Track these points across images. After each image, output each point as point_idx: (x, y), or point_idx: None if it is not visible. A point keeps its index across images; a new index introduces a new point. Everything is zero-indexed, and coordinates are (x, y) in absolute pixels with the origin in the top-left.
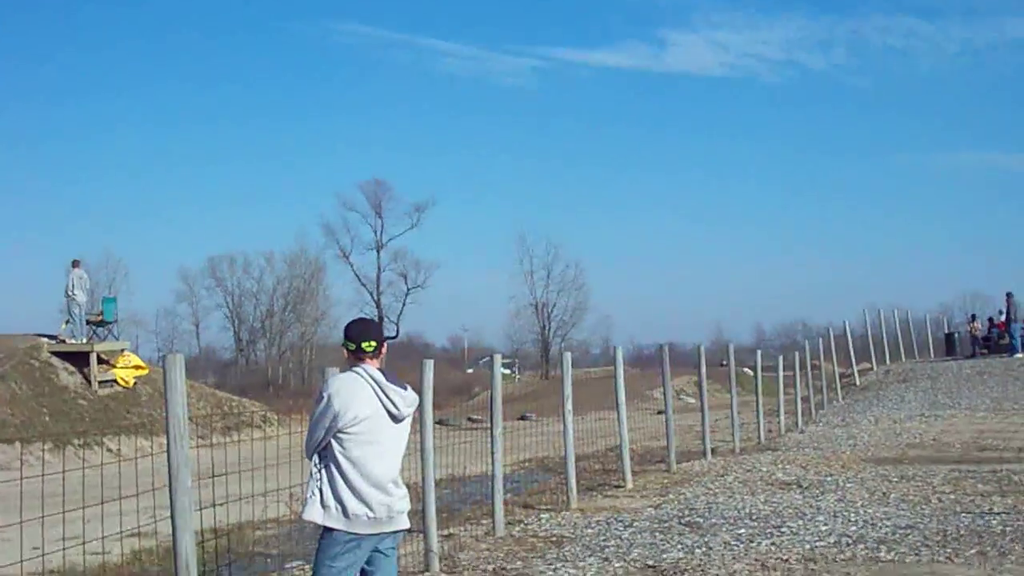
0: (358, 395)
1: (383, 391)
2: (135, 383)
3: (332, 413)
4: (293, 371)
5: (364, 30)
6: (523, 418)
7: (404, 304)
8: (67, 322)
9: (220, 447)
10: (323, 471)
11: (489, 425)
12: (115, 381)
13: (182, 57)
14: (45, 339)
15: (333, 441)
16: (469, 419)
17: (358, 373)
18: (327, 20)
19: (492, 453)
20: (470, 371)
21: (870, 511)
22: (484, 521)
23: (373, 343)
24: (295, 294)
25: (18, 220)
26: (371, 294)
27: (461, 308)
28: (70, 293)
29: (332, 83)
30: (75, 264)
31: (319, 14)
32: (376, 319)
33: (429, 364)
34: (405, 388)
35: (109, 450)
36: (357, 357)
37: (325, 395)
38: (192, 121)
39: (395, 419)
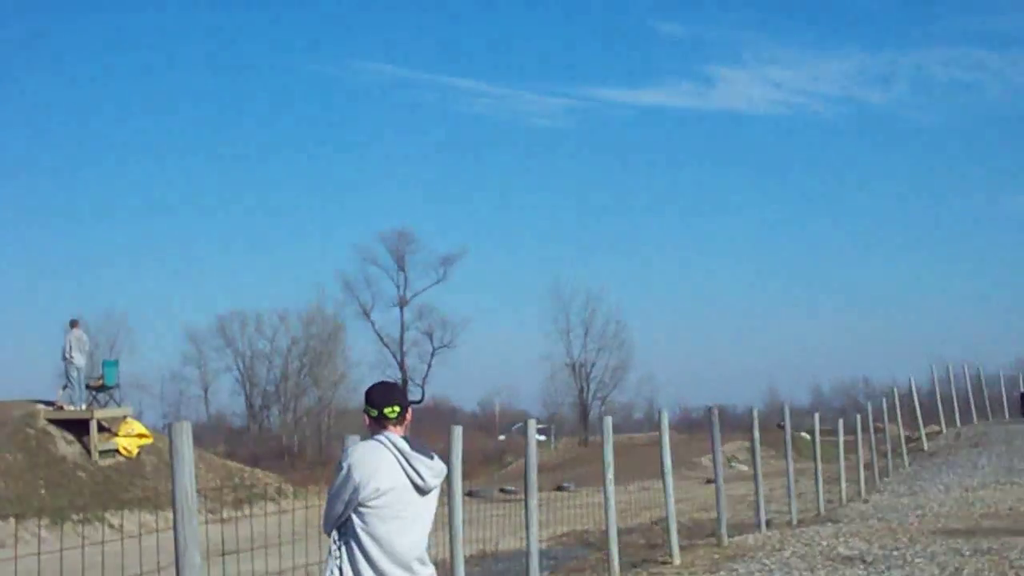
0: (381, 465)
1: (408, 461)
2: (139, 453)
3: (352, 485)
4: (310, 439)
5: (385, 68)
6: (560, 488)
7: (430, 365)
8: (65, 387)
9: (231, 522)
10: (343, 548)
11: (523, 496)
12: (117, 451)
13: (191, 100)
14: (41, 405)
15: (354, 516)
16: (501, 490)
17: (380, 442)
18: (344, 58)
19: (527, 527)
20: (502, 438)
21: None
22: None
23: (397, 409)
24: (312, 355)
25: (12, 277)
26: (394, 355)
27: (492, 369)
28: (68, 356)
29: (351, 126)
30: (73, 324)
31: (336, 52)
32: (400, 382)
33: (458, 431)
34: (432, 457)
35: (111, 525)
36: (379, 424)
37: (345, 465)
38: (200, 168)
39: (421, 491)
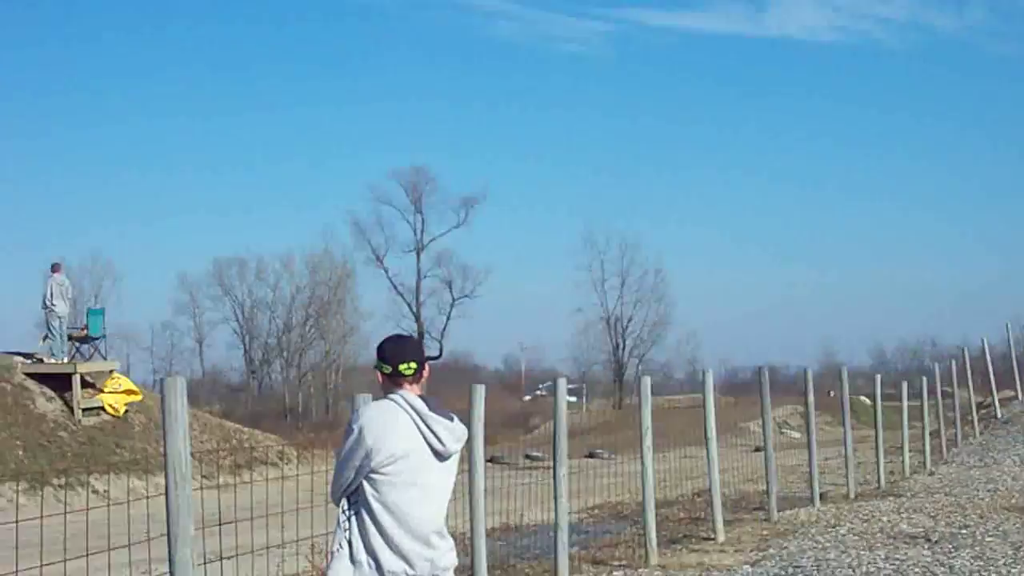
0: (395, 428)
1: (425, 422)
2: (126, 411)
3: (364, 450)
4: (315, 398)
5: None
6: (592, 455)
7: (449, 317)
8: (45, 337)
9: (228, 488)
10: (353, 519)
11: (552, 464)
12: (102, 408)
13: (188, 22)
14: (19, 358)
15: (365, 483)
16: (527, 456)
17: (395, 401)
18: None
19: (556, 497)
20: (528, 398)
21: (1015, 571)
22: None
23: (413, 365)
24: (318, 305)
25: None
26: (409, 305)
27: (518, 323)
28: (48, 303)
29: (360, 54)
30: (55, 268)
31: None
32: (416, 336)
33: (480, 390)
34: (452, 419)
35: (95, 491)
36: (393, 382)
37: (355, 428)
38: (195, 99)
39: (440, 456)
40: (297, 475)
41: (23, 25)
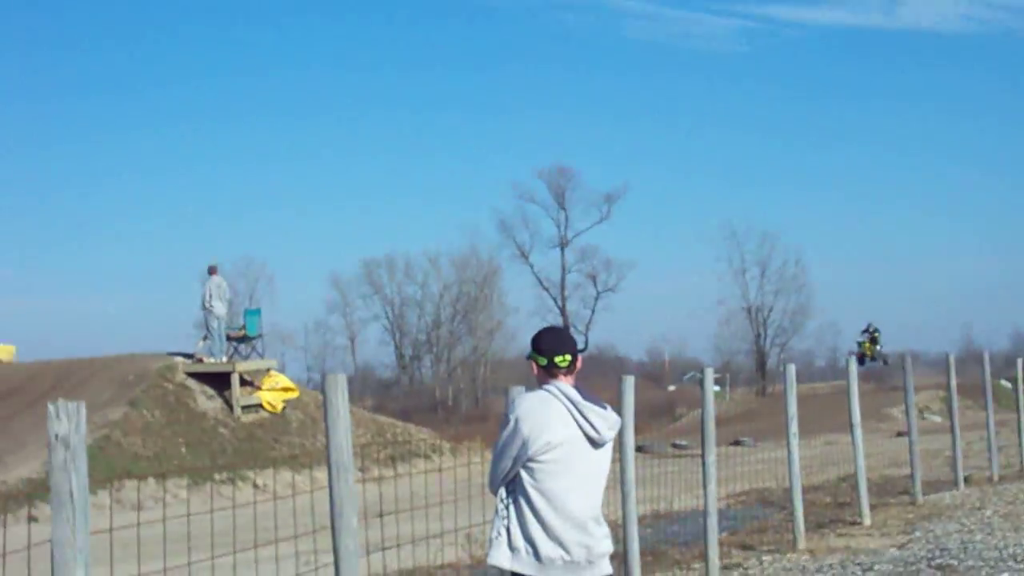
0: (551, 417)
1: (580, 411)
2: (283, 408)
3: (521, 439)
4: (464, 391)
5: None
6: (737, 443)
7: (593, 311)
8: (204, 338)
9: (383, 481)
10: (511, 507)
11: (697, 451)
12: (260, 406)
13: (329, 34)
14: (180, 358)
15: (523, 472)
16: (673, 445)
17: (550, 391)
18: None
19: (704, 484)
20: (672, 388)
21: None
22: (696, 565)
23: (568, 357)
24: (466, 301)
25: (148, 223)
26: (554, 300)
27: (660, 314)
28: (207, 305)
29: (502, 55)
30: (212, 271)
31: None
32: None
33: (629, 381)
34: (604, 407)
35: (255, 485)
36: (548, 373)
37: (512, 418)
38: (342, 103)
39: (595, 444)
40: (453, 467)
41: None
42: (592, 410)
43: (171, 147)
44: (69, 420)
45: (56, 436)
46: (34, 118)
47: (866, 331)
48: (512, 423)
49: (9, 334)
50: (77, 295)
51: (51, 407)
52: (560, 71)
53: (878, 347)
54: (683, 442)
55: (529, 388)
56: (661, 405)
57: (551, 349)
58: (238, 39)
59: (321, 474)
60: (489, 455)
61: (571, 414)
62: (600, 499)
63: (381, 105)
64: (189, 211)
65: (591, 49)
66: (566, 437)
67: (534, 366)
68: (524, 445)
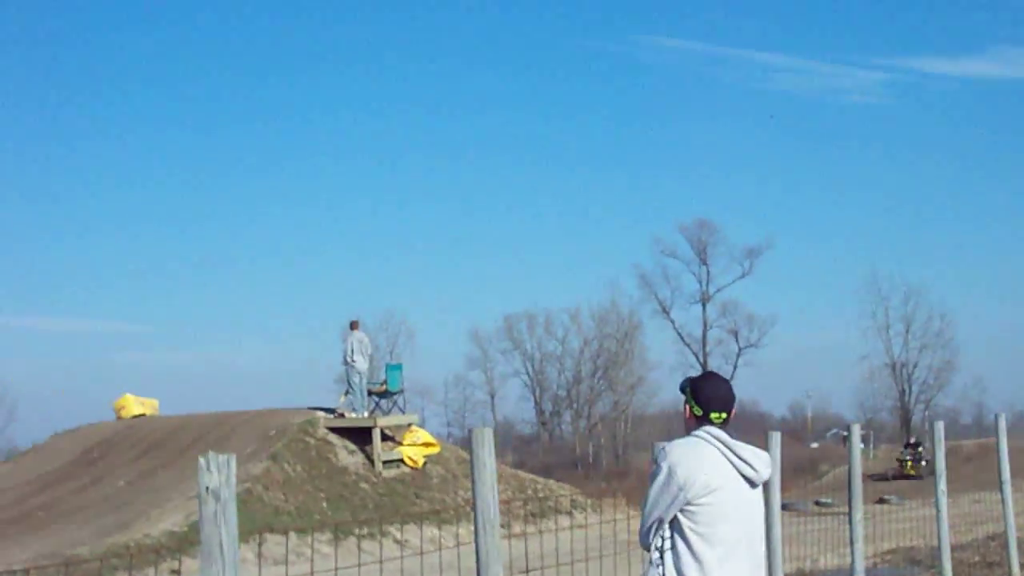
0: (705, 460)
1: (733, 451)
2: (424, 463)
3: (676, 486)
4: (605, 447)
5: (678, 44)
6: (882, 500)
7: (735, 366)
8: (346, 393)
9: (524, 537)
10: (668, 555)
11: (842, 509)
12: (402, 461)
13: (465, 91)
14: (321, 413)
15: (681, 517)
16: (817, 502)
17: (700, 436)
18: (633, 34)
19: (851, 542)
20: (815, 445)
21: None
22: None
23: (724, 415)
24: (606, 357)
25: (289, 278)
26: (696, 355)
27: (803, 370)
28: (349, 359)
29: (643, 108)
30: (353, 326)
31: (623, 27)
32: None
33: (776, 436)
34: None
35: (396, 540)
36: (700, 424)
37: (664, 466)
38: (486, 164)
39: (751, 484)
40: (600, 523)
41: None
42: (744, 448)
43: (313, 203)
44: (220, 472)
45: (207, 488)
46: (187, 186)
47: (908, 445)
48: (665, 471)
49: (151, 388)
50: (218, 349)
51: (202, 459)
52: (703, 125)
53: (922, 463)
54: (827, 500)
55: (673, 436)
56: (804, 462)
57: (710, 403)
58: (392, 104)
59: (462, 529)
60: (631, 511)
61: (725, 456)
62: (763, 547)
63: (523, 161)
64: (329, 265)
65: (735, 103)
66: (723, 479)
67: (687, 410)
68: (680, 491)
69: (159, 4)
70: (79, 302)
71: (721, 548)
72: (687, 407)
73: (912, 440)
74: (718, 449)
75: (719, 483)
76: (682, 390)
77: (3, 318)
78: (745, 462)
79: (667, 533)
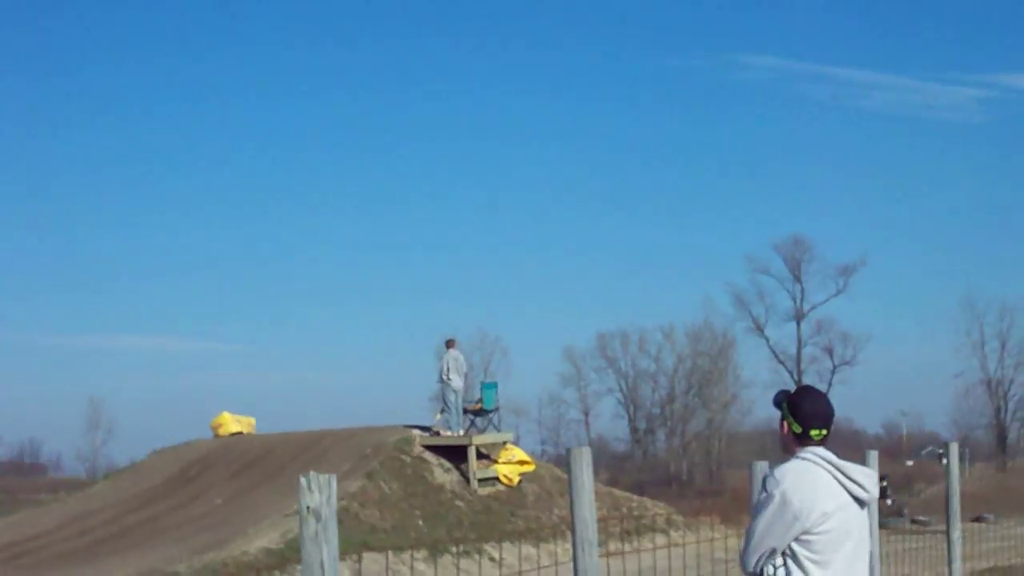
0: (820, 487)
1: (844, 473)
2: (520, 481)
3: (791, 515)
4: (699, 466)
5: (770, 62)
6: (979, 519)
7: (830, 384)
8: (442, 411)
9: (621, 556)
10: None
11: (938, 527)
12: (497, 479)
13: (559, 111)
14: (417, 431)
15: (797, 546)
16: (913, 521)
17: (808, 459)
18: (726, 52)
19: (949, 561)
20: (910, 463)
21: None
22: None
23: (824, 432)
24: (700, 375)
25: (382, 297)
26: (790, 373)
27: (897, 388)
28: (445, 378)
29: (735, 125)
30: (450, 344)
31: (717, 46)
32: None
33: (873, 455)
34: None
35: (491, 559)
36: (798, 441)
37: (776, 493)
38: (576, 179)
39: (861, 504)
40: (697, 542)
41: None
42: (855, 468)
43: (407, 222)
44: (320, 492)
45: (308, 508)
46: (280, 211)
47: None
48: (778, 499)
49: (248, 407)
50: (313, 368)
51: (303, 479)
52: (797, 143)
53: (888, 501)
54: (923, 518)
55: (773, 462)
56: (899, 480)
57: (810, 420)
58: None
59: (557, 547)
60: (728, 530)
61: (836, 479)
62: (867, 568)
63: (616, 179)
64: (425, 284)
65: (829, 120)
66: (839, 504)
67: (784, 426)
68: (795, 519)
69: None
70: (175, 322)
71: (835, 571)
72: (784, 424)
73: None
74: (829, 472)
75: (834, 508)
76: (777, 405)
77: (101, 338)
78: (856, 483)
79: (779, 561)
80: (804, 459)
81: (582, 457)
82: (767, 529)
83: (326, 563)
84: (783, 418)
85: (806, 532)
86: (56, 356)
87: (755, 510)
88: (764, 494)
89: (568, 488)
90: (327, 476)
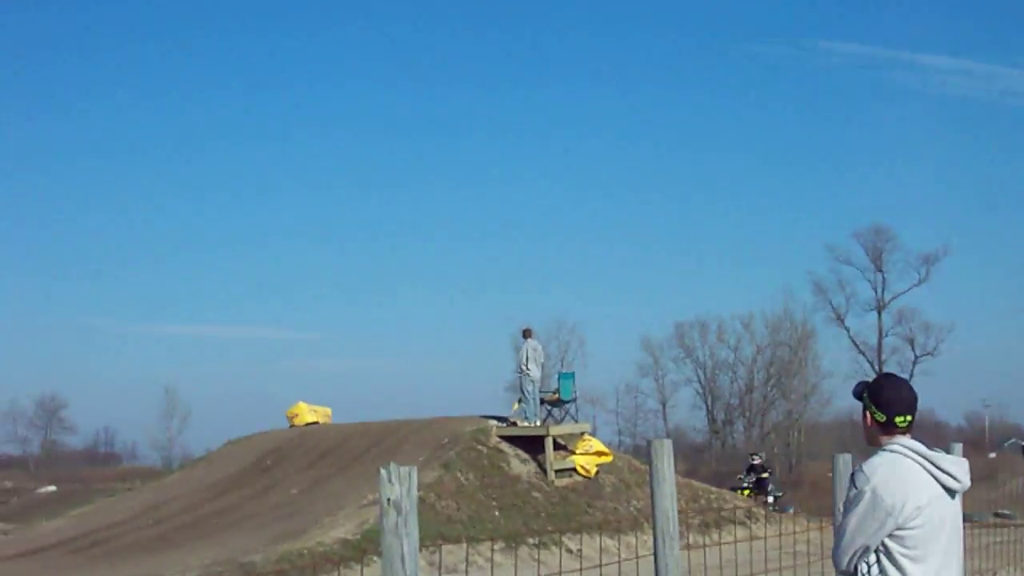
0: (910, 480)
1: (934, 463)
2: (597, 472)
3: (883, 511)
4: (778, 457)
5: (852, 49)
6: None
7: (912, 375)
8: (519, 401)
9: (698, 548)
10: None
11: (1022, 521)
12: (574, 470)
13: (639, 96)
14: (494, 422)
15: (890, 542)
16: (996, 514)
17: (897, 451)
18: (807, 38)
19: None
20: (992, 455)
21: None
22: None
23: (908, 418)
24: (779, 365)
25: (457, 286)
26: (871, 363)
27: (980, 378)
28: (524, 368)
29: (817, 112)
30: (527, 334)
31: (795, 31)
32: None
33: (958, 447)
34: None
35: (568, 550)
36: (884, 430)
37: (867, 490)
38: (652, 166)
39: (952, 494)
40: (780, 535)
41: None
42: (945, 458)
43: (480, 209)
44: (401, 484)
45: (388, 500)
46: (353, 198)
47: (750, 468)
48: (869, 495)
49: (323, 396)
50: (388, 356)
51: (383, 471)
52: (878, 129)
53: (769, 493)
54: (1007, 511)
55: (855, 454)
56: (981, 472)
57: (893, 407)
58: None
59: (634, 539)
60: (809, 523)
61: (927, 470)
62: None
63: (694, 167)
64: (500, 273)
65: (911, 107)
66: (931, 496)
67: (868, 417)
68: (888, 515)
69: None
70: (248, 310)
71: (932, 565)
72: (867, 413)
73: (756, 461)
74: (920, 464)
75: (927, 501)
76: (858, 396)
77: (177, 327)
78: (947, 473)
79: (872, 559)
80: (892, 451)
81: (663, 449)
82: (859, 527)
83: (406, 555)
84: (865, 408)
85: (899, 528)
86: (131, 345)
87: (845, 507)
88: (854, 490)
89: (649, 480)
90: (407, 468)
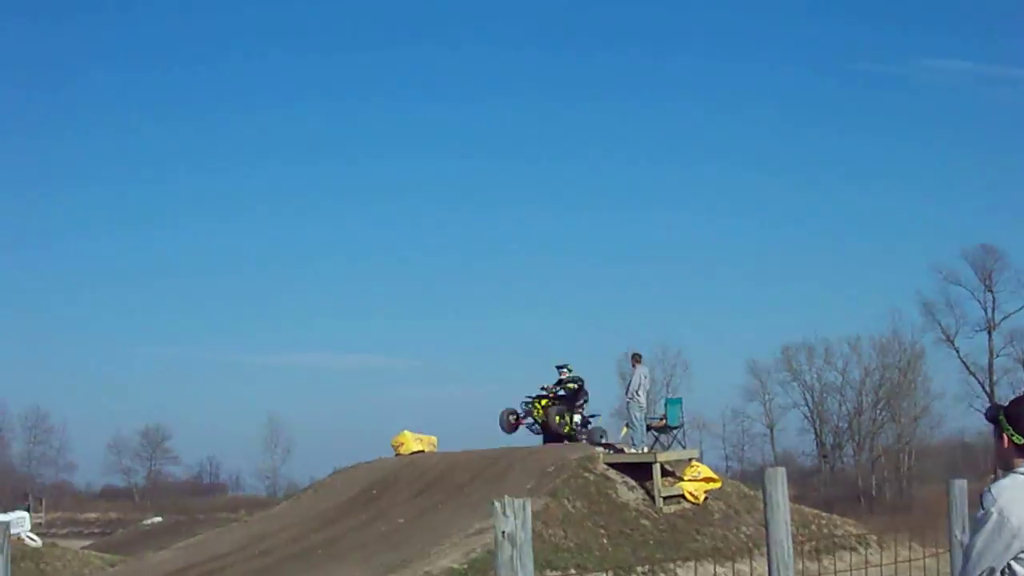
0: None
1: None
2: (706, 498)
3: (1009, 533)
4: (888, 481)
5: (958, 66)
6: None
7: None
8: (627, 426)
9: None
10: None
11: None
12: (682, 496)
13: (746, 116)
14: (601, 448)
15: (1015, 566)
16: None
17: None
18: (911, 56)
19: None
20: None
21: None
22: None
23: None
24: (888, 387)
25: (558, 311)
26: (982, 385)
27: None
28: (635, 394)
29: (922, 131)
30: (637, 360)
31: (902, 49)
32: None
33: None
34: None
35: None
36: (1021, 453)
37: (993, 511)
38: (758, 190)
39: None
40: (895, 563)
41: None
42: None
43: (586, 237)
44: (515, 517)
45: (503, 533)
46: (457, 228)
47: (559, 383)
48: (995, 517)
49: (427, 424)
50: (491, 383)
51: (496, 504)
52: (984, 148)
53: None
54: None
55: (971, 478)
56: None
57: None
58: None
59: (746, 567)
60: (924, 549)
61: None
62: None
63: (797, 189)
64: (603, 298)
65: (1020, 124)
66: None
67: (1004, 439)
68: (1014, 539)
69: None
70: (352, 338)
71: None
72: (1004, 436)
73: (564, 375)
74: None
75: None
76: (993, 419)
77: (280, 356)
78: None
79: None
80: (1022, 474)
81: (777, 477)
82: (984, 548)
83: None
84: (1002, 431)
85: None
86: (235, 375)
87: (972, 529)
88: (981, 512)
89: (763, 509)
90: (521, 500)
